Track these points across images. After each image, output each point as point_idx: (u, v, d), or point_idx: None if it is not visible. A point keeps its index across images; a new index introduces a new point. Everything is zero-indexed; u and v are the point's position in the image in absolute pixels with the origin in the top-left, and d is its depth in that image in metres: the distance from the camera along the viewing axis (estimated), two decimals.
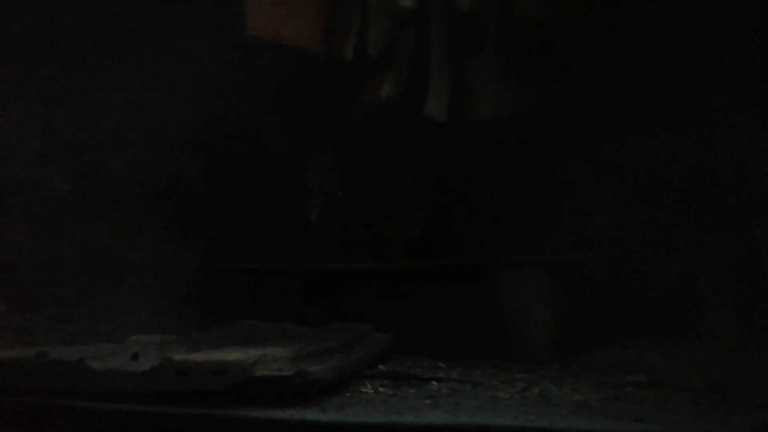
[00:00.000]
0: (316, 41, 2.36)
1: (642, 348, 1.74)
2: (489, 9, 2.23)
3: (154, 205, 2.28)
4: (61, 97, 1.84)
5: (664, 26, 1.87)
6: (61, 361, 1.01)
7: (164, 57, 2.14)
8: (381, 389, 1.32)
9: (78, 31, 1.90)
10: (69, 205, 1.96)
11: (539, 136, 2.20)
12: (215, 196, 2.42)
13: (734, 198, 1.69)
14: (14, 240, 1.77)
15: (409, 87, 2.35)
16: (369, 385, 1.32)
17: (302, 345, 1.36)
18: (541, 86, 2.17)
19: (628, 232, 1.96)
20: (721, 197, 1.75)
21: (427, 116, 2.32)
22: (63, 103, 1.84)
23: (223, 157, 2.45)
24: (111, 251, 2.17)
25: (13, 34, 1.71)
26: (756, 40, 1.64)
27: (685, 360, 1.52)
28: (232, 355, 1.00)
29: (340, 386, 1.24)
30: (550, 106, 2.15)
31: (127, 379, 0.99)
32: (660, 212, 1.91)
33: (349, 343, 1.58)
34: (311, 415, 0.97)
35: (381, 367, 1.60)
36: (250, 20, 2.29)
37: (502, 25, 2.27)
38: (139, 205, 2.25)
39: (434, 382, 1.41)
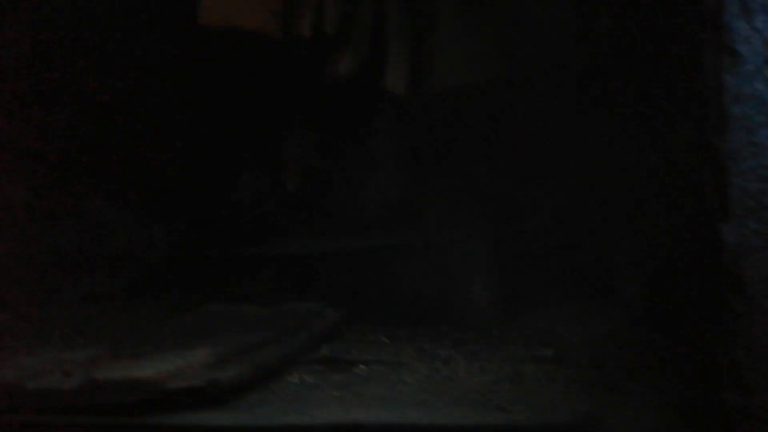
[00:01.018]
0: (273, 21, 2.41)
1: (569, 316, 1.87)
2: None
3: (123, 196, 2.39)
4: None
5: None
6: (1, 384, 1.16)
7: None
8: (307, 378, 1.46)
9: None
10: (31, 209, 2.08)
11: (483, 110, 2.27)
12: (186, 181, 2.53)
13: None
14: None
15: (368, 61, 2.41)
16: (297, 375, 1.47)
17: (237, 340, 1.50)
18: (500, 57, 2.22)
19: (563, 206, 2.05)
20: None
21: (387, 90, 2.39)
22: None
23: (192, 142, 2.54)
24: (81, 245, 2.31)
25: None
26: None
27: (603, 334, 1.63)
28: (146, 371, 1.14)
29: (267, 380, 1.38)
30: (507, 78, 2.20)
31: (58, 395, 1.14)
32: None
33: (292, 329, 1.72)
34: (219, 418, 1.12)
35: (324, 349, 1.74)
36: (203, 6, 2.33)
37: None
38: (106, 198, 2.37)
39: (361, 366, 1.55)
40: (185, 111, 2.50)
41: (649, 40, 1.42)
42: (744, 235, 0.87)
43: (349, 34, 2.42)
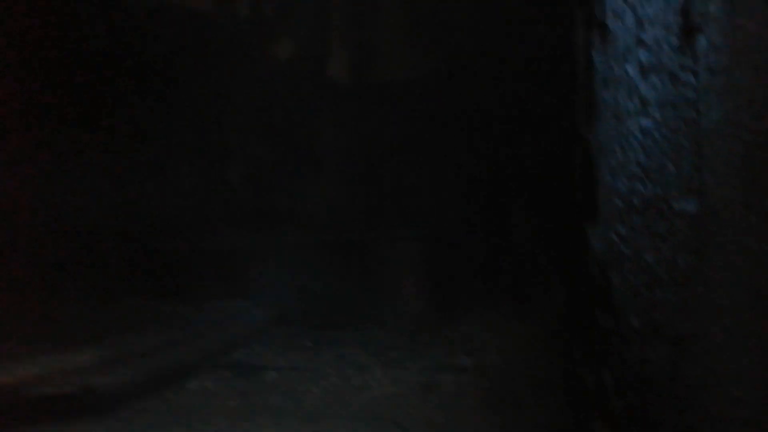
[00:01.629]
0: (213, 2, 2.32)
1: (493, 322, 1.81)
2: None
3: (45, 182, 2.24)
4: None
5: None
6: None
7: None
8: (209, 384, 1.36)
9: None
10: None
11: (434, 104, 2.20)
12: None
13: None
14: None
15: (310, 48, 2.33)
16: (198, 381, 1.37)
17: (134, 340, 1.39)
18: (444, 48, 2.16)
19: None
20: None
21: (329, 77, 2.32)
22: None
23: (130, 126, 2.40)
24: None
25: None
26: None
27: (520, 339, 1.58)
28: (13, 374, 1.02)
29: (160, 385, 1.28)
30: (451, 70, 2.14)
31: None
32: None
33: (205, 330, 1.62)
34: (89, 430, 1.01)
35: (240, 351, 1.64)
36: None
37: None
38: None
39: (272, 371, 1.45)
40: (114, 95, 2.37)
41: (518, 22, 1.34)
42: (612, 242, 0.73)
43: (291, 18, 2.35)
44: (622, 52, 0.69)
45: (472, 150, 2.12)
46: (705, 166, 0.55)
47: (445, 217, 2.07)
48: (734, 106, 0.53)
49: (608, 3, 0.72)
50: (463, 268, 2.00)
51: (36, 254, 2.14)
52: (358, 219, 2.20)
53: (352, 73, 2.41)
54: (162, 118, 2.43)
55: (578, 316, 0.80)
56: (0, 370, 1.03)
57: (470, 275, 1.99)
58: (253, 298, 2.04)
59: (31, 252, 2.14)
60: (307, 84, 2.44)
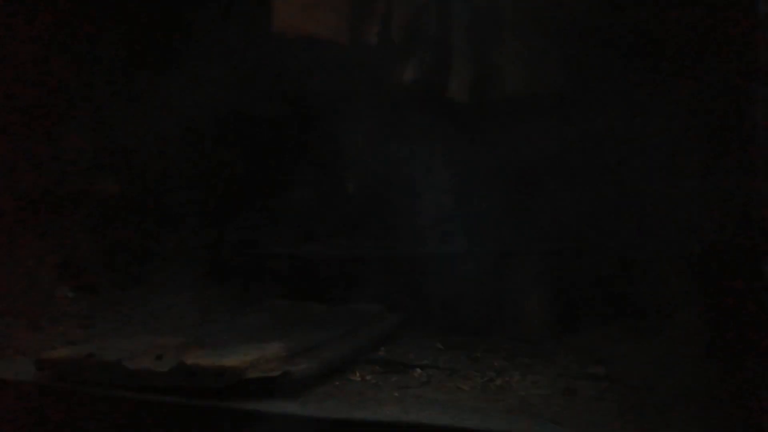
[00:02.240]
0: (342, 29, 2.56)
1: (623, 335, 1.90)
2: None
3: (197, 195, 2.58)
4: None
5: None
6: (104, 362, 1.31)
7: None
8: (368, 377, 1.56)
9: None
10: (120, 203, 2.28)
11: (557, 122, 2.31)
12: (255, 182, 2.69)
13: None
14: (76, 237, 2.10)
15: (432, 69, 2.51)
16: (358, 374, 1.57)
17: (306, 337, 1.62)
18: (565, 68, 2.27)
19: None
20: None
21: (449, 98, 2.49)
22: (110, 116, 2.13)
23: (258, 146, 2.70)
24: (159, 239, 2.50)
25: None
26: None
27: (657, 356, 1.66)
28: (230, 360, 1.27)
29: (331, 376, 1.49)
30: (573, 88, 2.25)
31: (152, 376, 1.28)
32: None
33: (353, 329, 1.83)
34: (290, 408, 1.23)
35: (382, 350, 1.83)
36: (277, 14, 2.50)
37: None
38: (184, 196, 2.56)
39: (418, 369, 1.64)
40: (248, 115, 2.66)
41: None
42: None
43: (415, 43, 2.53)
44: None
45: (594, 166, 2.20)
46: None
47: (570, 231, 2.17)
48: None
49: None
50: (587, 282, 2.09)
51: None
52: (483, 232, 2.35)
53: (472, 93, 2.53)
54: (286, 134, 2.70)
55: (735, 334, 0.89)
56: (226, 357, 1.27)
57: (594, 289, 2.08)
58: (383, 302, 2.20)
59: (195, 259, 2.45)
60: (429, 105, 2.61)
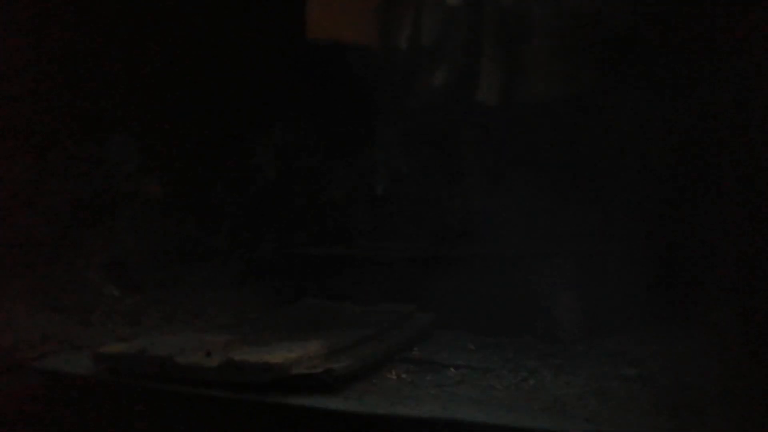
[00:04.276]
0: (373, 34, 2.62)
1: (654, 337, 1.92)
2: None
3: (234, 196, 2.67)
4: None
5: None
6: (157, 356, 1.39)
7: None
8: (404, 375, 1.61)
9: None
10: (163, 204, 2.38)
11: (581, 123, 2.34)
12: (288, 183, 2.77)
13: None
14: (123, 238, 2.20)
15: (462, 73, 2.55)
16: (394, 372, 1.62)
17: (343, 336, 1.68)
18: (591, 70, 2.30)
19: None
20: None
21: (479, 100, 2.53)
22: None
23: (292, 147, 2.78)
24: (199, 239, 2.60)
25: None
26: None
27: (690, 358, 1.67)
28: (276, 356, 1.33)
29: (369, 373, 1.55)
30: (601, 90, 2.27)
31: (202, 371, 1.36)
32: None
33: (387, 329, 1.88)
34: (333, 403, 1.29)
35: (415, 350, 1.88)
36: (310, 21, 2.58)
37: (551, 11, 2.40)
38: (222, 198, 2.65)
39: (452, 368, 1.68)
40: (284, 120, 2.74)
41: None
42: None
43: (445, 46, 2.57)
44: None
45: (629, 167, 2.22)
46: None
47: (599, 236, 2.20)
48: None
49: None
50: (618, 284, 2.11)
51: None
52: (514, 234, 2.38)
53: (500, 95, 2.56)
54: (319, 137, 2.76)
55: None
56: (271, 354, 1.34)
57: (626, 291, 2.10)
58: (413, 302, 2.25)
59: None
60: (458, 107, 2.64)
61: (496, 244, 2.40)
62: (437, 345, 1.96)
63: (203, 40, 2.46)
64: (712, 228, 1.83)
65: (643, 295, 2.07)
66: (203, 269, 2.58)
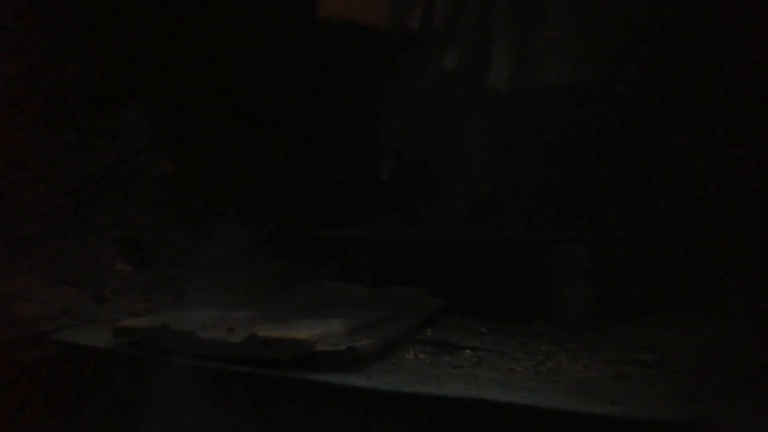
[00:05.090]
0: (385, 16, 2.60)
1: (669, 324, 1.93)
2: None
3: (243, 176, 2.65)
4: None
5: None
6: (179, 331, 1.39)
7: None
8: (421, 356, 1.62)
9: None
10: (173, 182, 2.36)
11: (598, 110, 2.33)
12: (296, 163, 2.75)
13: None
14: (134, 214, 2.19)
15: (473, 56, 2.53)
16: (411, 352, 1.63)
17: (360, 315, 1.68)
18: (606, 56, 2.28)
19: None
20: None
21: (489, 85, 2.51)
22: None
23: (301, 127, 2.76)
24: (209, 218, 2.58)
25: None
26: None
27: (707, 343, 1.68)
28: (301, 333, 1.33)
29: (387, 353, 1.55)
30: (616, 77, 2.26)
31: (225, 346, 1.35)
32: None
33: (401, 310, 1.88)
34: (356, 381, 1.29)
35: (428, 331, 1.89)
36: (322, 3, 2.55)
37: None
38: (231, 177, 2.63)
39: (468, 350, 1.69)
40: (293, 100, 2.71)
41: None
42: None
43: (457, 29, 2.54)
44: None
45: (639, 157, 2.21)
46: None
47: (613, 223, 2.20)
48: None
49: None
50: (631, 271, 2.11)
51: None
52: (528, 220, 2.38)
53: (511, 80, 2.54)
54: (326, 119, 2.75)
55: None
56: (293, 331, 1.34)
57: (638, 278, 2.11)
58: (422, 285, 2.24)
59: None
60: (469, 92, 2.63)
61: (511, 229, 2.40)
62: (449, 328, 1.96)
63: (217, 18, 2.43)
64: (728, 216, 1.84)
65: (656, 283, 2.09)
66: (213, 248, 2.57)
